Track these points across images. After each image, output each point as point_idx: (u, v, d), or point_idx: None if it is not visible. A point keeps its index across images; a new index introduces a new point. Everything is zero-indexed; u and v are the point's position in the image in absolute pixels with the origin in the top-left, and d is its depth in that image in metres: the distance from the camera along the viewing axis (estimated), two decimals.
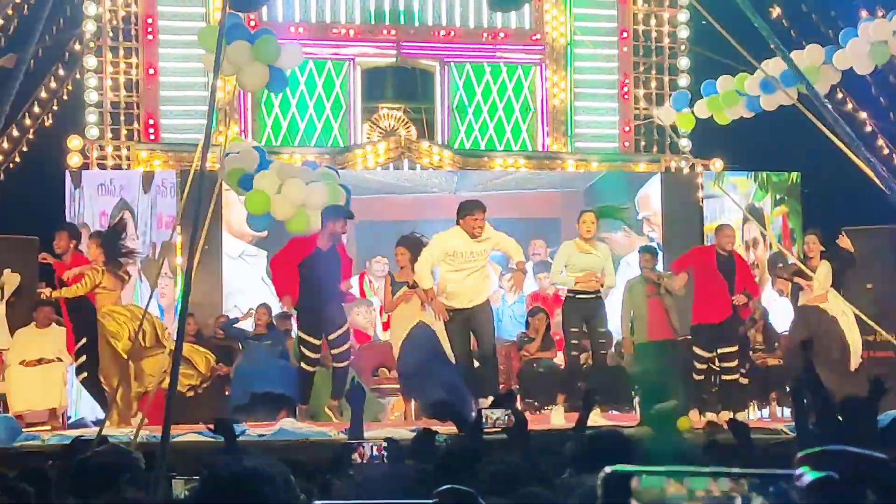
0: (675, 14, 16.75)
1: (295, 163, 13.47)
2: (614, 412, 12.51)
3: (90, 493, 4.04)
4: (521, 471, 4.27)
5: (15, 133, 15.00)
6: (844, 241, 12.17)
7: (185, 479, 5.35)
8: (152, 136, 15.52)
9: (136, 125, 15.55)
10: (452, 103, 16.30)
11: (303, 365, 11.11)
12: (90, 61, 15.35)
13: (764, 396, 13.05)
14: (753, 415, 13.06)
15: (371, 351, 13.82)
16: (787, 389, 11.47)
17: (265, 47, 10.45)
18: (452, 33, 16.34)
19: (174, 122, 15.51)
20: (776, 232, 15.79)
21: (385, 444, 7.15)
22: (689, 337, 11.70)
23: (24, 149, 15.12)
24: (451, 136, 16.22)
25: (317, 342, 11.05)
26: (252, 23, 13.68)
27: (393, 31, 16.15)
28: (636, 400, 12.72)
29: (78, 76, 15.37)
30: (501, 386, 11.93)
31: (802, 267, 12.00)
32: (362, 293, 14.79)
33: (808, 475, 1.48)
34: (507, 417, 5.71)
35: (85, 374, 11.05)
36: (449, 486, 3.01)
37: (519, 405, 12.46)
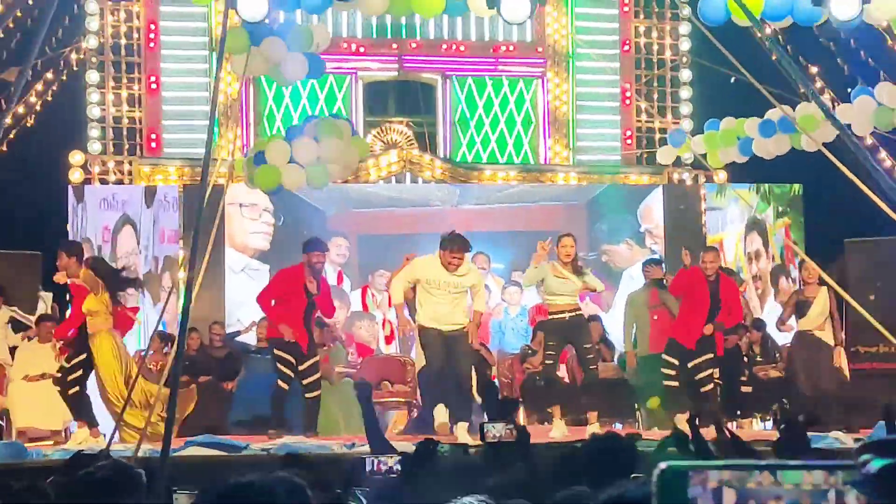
0: (677, 26, 16.76)
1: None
2: (617, 425, 12.51)
3: None
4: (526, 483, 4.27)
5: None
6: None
7: (188, 494, 5.34)
8: (154, 150, 15.54)
9: (138, 140, 15.57)
10: (454, 117, 16.31)
11: (280, 383, 11.08)
12: (92, 76, 15.37)
13: (766, 408, 13.03)
14: (757, 426, 13.07)
15: (374, 364, 13.81)
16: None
17: (300, 36, 10.61)
18: (454, 47, 16.36)
19: (177, 136, 15.52)
20: (778, 244, 15.78)
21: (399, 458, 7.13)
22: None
23: (26, 163, 15.10)
24: (453, 150, 16.22)
25: (294, 360, 11.05)
26: None
27: (395, 45, 16.18)
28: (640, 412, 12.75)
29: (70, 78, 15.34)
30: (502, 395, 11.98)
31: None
32: (364, 307, 14.78)
33: (873, 463, 1.45)
34: (507, 431, 5.70)
35: (76, 389, 10.82)
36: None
37: (522, 419, 12.46)
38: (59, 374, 10.88)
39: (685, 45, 16.67)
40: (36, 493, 4.48)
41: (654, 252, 15.03)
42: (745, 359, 12.92)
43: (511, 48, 16.51)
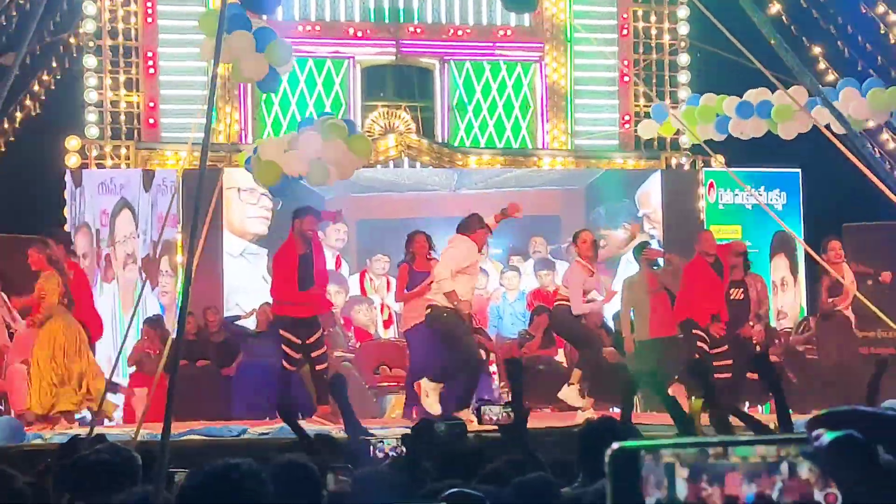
0: (675, 10, 16.73)
1: None
2: (615, 409, 12.50)
3: (88, 492, 4.04)
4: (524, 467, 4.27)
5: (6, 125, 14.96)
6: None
7: (184, 473, 5.35)
8: (152, 135, 15.51)
9: (136, 124, 15.54)
10: (452, 101, 16.29)
11: (284, 364, 11.10)
12: (89, 61, 15.32)
13: (763, 392, 13.01)
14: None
15: (372, 349, 13.81)
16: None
17: (276, 51, 10.55)
18: (452, 31, 16.33)
19: (174, 120, 15.48)
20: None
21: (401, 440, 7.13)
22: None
23: (23, 148, 15.08)
24: (450, 134, 16.21)
25: (299, 342, 11.06)
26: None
27: (393, 29, 16.15)
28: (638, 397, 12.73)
29: (71, 69, 15.33)
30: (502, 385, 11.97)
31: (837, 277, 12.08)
32: (363, 291, 14.77)
33: (826, 435, 1.45)
34: (504, 414, 5.69)
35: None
36: (457, 489, 3.00)
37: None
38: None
39: (683, 29, 16.64)
40: (36, 492, 4.48)
41: (653, 237, 15.04)
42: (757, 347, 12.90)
43: (509, 32, 16.48)
